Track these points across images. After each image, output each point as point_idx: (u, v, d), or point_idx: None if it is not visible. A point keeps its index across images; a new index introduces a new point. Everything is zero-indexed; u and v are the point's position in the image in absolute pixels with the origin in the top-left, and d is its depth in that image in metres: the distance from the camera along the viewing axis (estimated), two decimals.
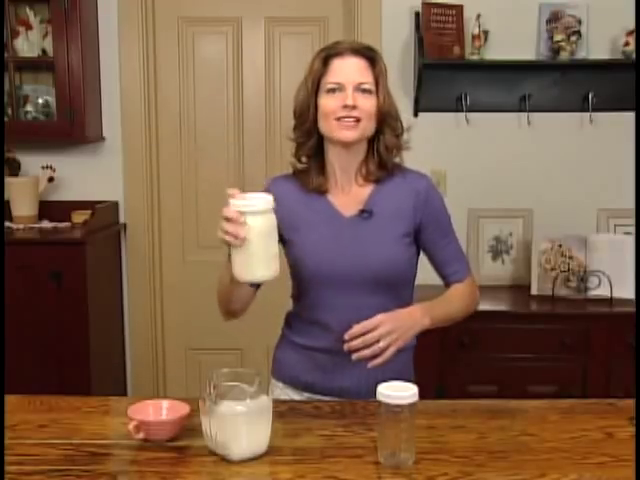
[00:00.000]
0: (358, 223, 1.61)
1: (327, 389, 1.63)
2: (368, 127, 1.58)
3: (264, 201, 1.40)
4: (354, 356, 1.49)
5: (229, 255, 1.46)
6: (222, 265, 1.58)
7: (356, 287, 1.58)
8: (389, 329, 1.48)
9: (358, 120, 1.55)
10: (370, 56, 1.58)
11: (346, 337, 1.49)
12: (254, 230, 1.38)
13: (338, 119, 1.55)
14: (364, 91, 1.56)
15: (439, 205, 1.67)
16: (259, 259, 1.41)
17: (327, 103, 1.56)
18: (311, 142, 1.63)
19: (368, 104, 1.56)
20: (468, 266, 1.72)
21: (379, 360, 1.48)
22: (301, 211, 1.65)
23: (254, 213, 1.38)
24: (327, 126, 1.57)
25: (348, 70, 1.56)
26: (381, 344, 1.47)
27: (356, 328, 1.48)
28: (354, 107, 1.54)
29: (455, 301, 1.67)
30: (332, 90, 1.56)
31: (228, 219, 1.37)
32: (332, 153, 1.63)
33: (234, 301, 1.64)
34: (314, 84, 1.58)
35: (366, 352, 1.48)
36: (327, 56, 1.58)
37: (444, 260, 1.68)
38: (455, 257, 1.69)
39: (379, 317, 1.49)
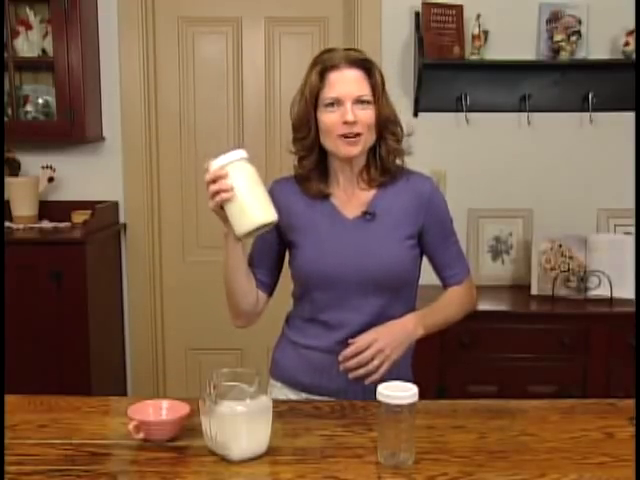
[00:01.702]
0: (361, 225, 1.61)
1: (324, 390, 1.63)
2: (369, 139, 1.58)
3: (238, 152, 1.46)
4: (350, 375, 1.52)
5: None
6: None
7: (358, 288, 1.59)
8: (382, 346, 1.51)
9: (359, 134, 1.55)
10: (366, 66, 1.58)
11: (340, 358, 1.53)
12: (238, 177, 1.44)
13: (340, 136, 1.55)
14: (362, 102, 1.56)
15: (442, 208, 1.67)
16: (253, 203, 1.44)
17: (327, 119, 1.56)
18: (314, 156, 1.63)
19: (367, 116, 1.56)
20: (467, 268, 1.73)
21: (375, 377, 1.51)
22: (304, 213, 1.65)
23: (232, 162, 1.44)
24: (330, 142, 1.58)
25: (345, 84, 1.55)
26: (375, 362, 1.51)
27: (349, 350, 1.52)
28: (354, 122, 1.54)
29: (450, 306, 1.68)
30: (331, 104, 1.55)
31: (212, 181, 1.44)
32: (336, 164, 1.63)
33: (237, 295, 1.63)
34: (312, 99, 1.58)
35: (360, 371, 1.52)
36: (323, 69, 1.57)
37: (444, 263, 1.68)
38: (455, 260, 1.70)
39: (371, 335, 1.52)
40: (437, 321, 1.64)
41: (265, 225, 1.46)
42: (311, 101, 1.57)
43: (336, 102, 1.55)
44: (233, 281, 1.62)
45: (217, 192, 1.43)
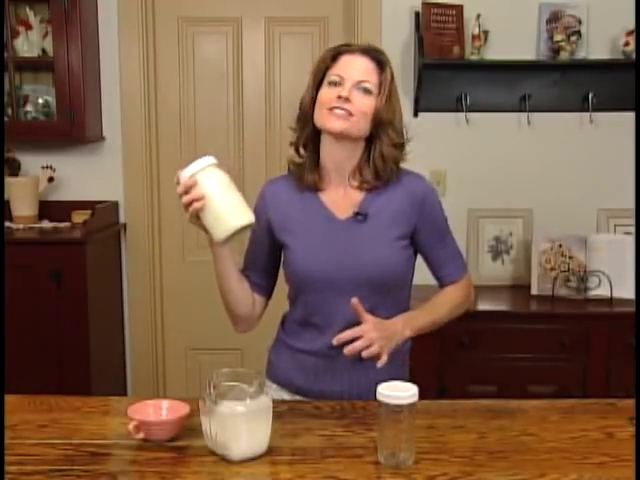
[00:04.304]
0: (353, 226, 1.61)
1: (318, 393, 1.62)
2: (360, 125, 1.56)
3: (205, 159, 1.45)
4: (364, 353, 1.48)
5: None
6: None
7: (351, 290, 1.56)
8: (376, 336, 1.50)
9: (350, 114, 1.54)
10: (379, 59, 1.58)
11: (335, 342, 1.50)
12: (209, 184, 1.43)
13: (330, 109, 1.54)
14: (364, 90, 1.55)
15: (436, 207, 1.66)
16: (228, 209, 1.44)
17: (324, 94, 1.56)
18: (307, 131, 1.63)
19: (364, 103, 1.55)
20: (464, 266, 1.72)
21: (383, 359, 1.49)
22: (295, 213, 1.64)
23: (201, 170, 1.43)
24: (319, 115, 1.57)
25: (353, 67, 1.56)
26: (376, 345, 1.49)
27: (344, 334, 1.50)
28: (347, 100, 1.53)
29: (441, 307, 1.67)
30: (333, 83, 1.56)
31: (184, 192, 1.43)
32: (325, 146, 1.61)
33: (231, 300, 1.64)
34: (319, 74, 1.59)
35: (373, 349, 1.48)
36: (338, 52, 1.59)
37: (439, 263, 1.68)
38: (450, 259, 1.69)
39: (366, 325, 1.51)
40: (425, 323, 1.63)
41: (242, 228, 1.46)
42: (317, 76, 1.59)
43: (338, 81, 1.55)
44: (226, 287, 1.62)
45: (190, 203, 1.43)
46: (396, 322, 1.57)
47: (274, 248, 1.68)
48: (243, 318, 1.68)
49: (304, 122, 1.63)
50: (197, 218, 1.46)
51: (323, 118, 1.56)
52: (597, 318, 2.74)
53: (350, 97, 1.53)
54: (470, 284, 1.73)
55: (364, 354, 1.48)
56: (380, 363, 1.50)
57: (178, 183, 1.45)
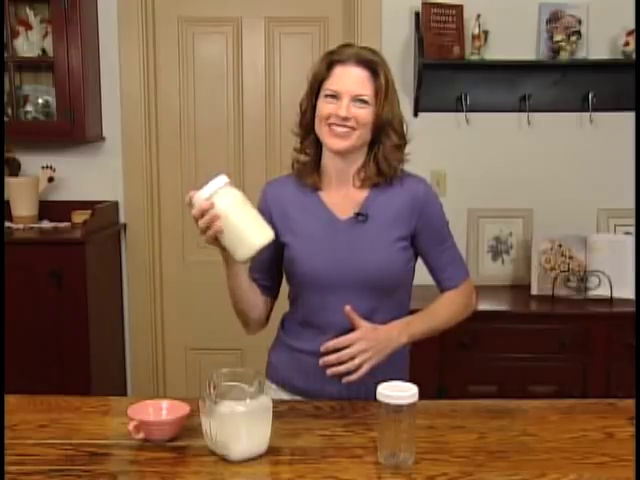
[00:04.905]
0: (353, 227, 1.61)
1: (318, 394, 1.62)
2: (361, 137, 1.58)
3: (219, 179, 1.43)
4: (329, 371, 1.50)
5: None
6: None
7: (351, 291, 1.57)
8: (364, 347, 1.50)
9: (353, 129, 1.55)
10: (373, 67, 1.57)
11: (322, 349, 1.51)
12: (227, 204, 1.42)
13: (330, 124, 1.56)
14: (361, 101, 1.56)
15: (436, 211, 1.66)
16: (248, 228, 1.43)
17: (323, 108, 1.57)
18: (309, 140, 1.64)
19: (362, 114, 1.55)
20: (465, 271, 1.71)
21: (354, 377, 1.50)
22: (296, 214, 1.65)
23: (216, 192, 1.41)
24: (320, 130, 1.59)
25: (348, 80, 1.56)
26: (356, 361, 1.50)
27: (331, 343, 1.51)
28: (346, 118, 1.54)
29: (439, 313, 1.67)
30: (330, 96, 1.56)
31: (200, 215, 1.41)
32: (327, 156, 1.64)
33: (244, 308, 1.65)
34: (315, 85, 1.60)
35: (340, 368, 1.50)
36: (331, 61, 1.58)
37: (438, 266, 1.67)
38: (450, 263, 1.68)
39: (356, 334, 1.51)
40: (423, 329, 1.62)
41: (265, 246, 1.46)
42: (314, 88, 1.60)
43: (335, 95, 1.56)
44: (239, 298, 1.63)
45: (208, 226, 1.42)
46: (392, 328, 1.57)
47: (278, 248, 1.68)
48: (255, 321, 1.70)
49: (305, 130, 1.64)
50: (215, 239, 1.45)
51: (324, 135, 1.58)
52: (597, 318, 2.74)
53: (348, 114, 1.54)
54: (472, 290, 1.72)
55: (328, 372, 1.50)
56: (345, 380, 1.50)
57: (190, 204, 1.43)
